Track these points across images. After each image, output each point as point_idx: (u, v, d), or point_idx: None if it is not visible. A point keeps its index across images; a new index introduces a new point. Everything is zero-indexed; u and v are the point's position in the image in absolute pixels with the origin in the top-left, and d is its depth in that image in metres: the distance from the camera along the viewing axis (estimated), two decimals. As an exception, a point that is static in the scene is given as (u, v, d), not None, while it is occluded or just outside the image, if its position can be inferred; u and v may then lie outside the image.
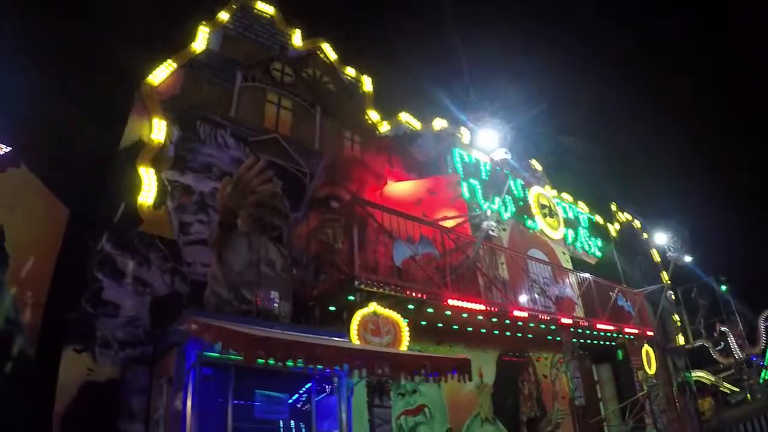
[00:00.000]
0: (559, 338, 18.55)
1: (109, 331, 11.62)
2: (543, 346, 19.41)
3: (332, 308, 14.02)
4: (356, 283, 13.33)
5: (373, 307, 13.31)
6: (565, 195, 25.42)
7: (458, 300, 15.00)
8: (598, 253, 24.46)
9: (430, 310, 14.99)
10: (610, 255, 24.29)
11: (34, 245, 11.85)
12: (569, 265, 22.23)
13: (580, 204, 26.01)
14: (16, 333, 11.01)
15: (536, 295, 18.65)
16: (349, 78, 19.76)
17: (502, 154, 15.06)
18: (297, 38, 18.55)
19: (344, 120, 18.54)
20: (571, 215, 24.39)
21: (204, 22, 16.58)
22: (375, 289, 13.58)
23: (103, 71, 14.89)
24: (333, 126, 18.05)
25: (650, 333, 21.89)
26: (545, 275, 19.25)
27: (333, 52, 19.48)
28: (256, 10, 18.13)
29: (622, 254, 25.64)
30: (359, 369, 10.33)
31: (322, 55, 19.25)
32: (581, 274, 20.55)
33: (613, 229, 28.42)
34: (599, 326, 19.21)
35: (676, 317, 30.78)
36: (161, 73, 14.92)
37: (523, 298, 18.33)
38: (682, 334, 30.03)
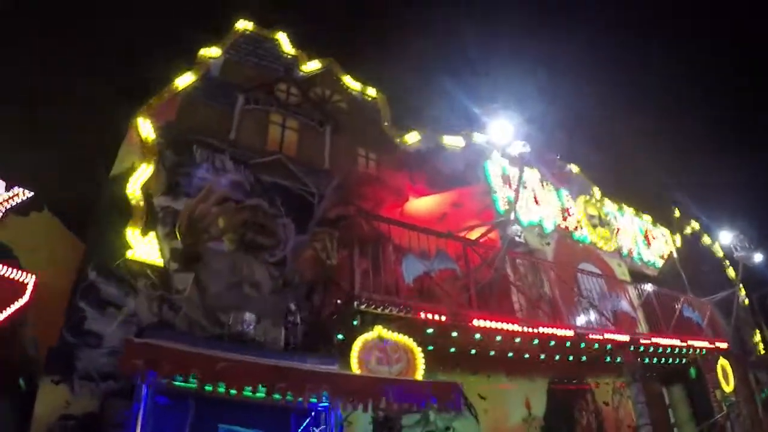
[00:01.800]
0: (619, 359, 15.83)
1: (89, 362, 10.37)
2: (602, 369, 16.24)
3: (340, 336, 11.88)
4: (356, 304, 11.34)
5: (378, 331, 11.29)
6: (615, 202, 21.96)
7: (486, 320, 12.67)
8: (659, 264, 21.44)
9: (454, 334, 12.62)
10: (673, 264, 21.28)
11: (54, 283, 11.12)
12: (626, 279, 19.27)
13: (632, 210, 22.60)
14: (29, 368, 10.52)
15: (590, 314, 16.10)
16: (362, 95, 18.01)
17: (519, 147, 12.80)
18: (303, 59, 17.27)
19: (358, 137, 16.78)
20: (625, 224, 21.35)
21: (203, 51, 15.68)
22: (379, 311, 11.40)
23: (101, 104, 14.47)
24: (345, 144, 16.31)
25: (724, 345, 18.22)
26: (598, 290, 16.63)
27: (342, 70, 17.93)
28: (259, 35, 17.04)
29: (687, 263, 22.47)
30: (282, 392, 8.16)
31: (331, 74, 17.75)
32: (641, 286, 17.77)
33: (675, 236, 24.65)
34: (663, 342, 16.23)
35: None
36: (156, 102, 14.07)
37: (576, 318, 15.86)
38: (763, 345, 25.87)
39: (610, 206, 21.14)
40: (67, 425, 9.75)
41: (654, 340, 16.01)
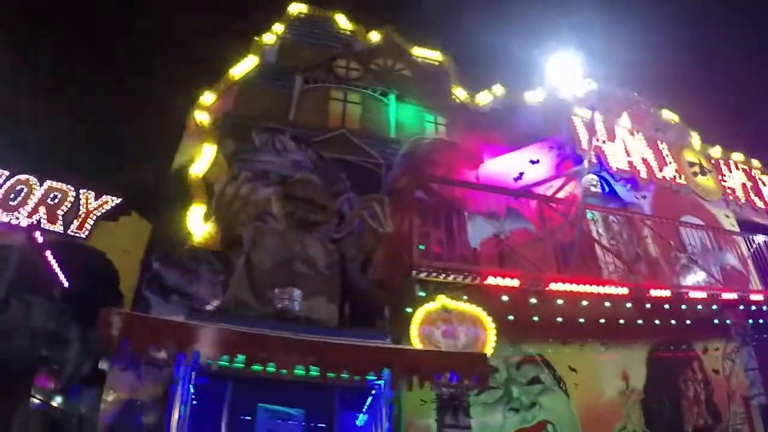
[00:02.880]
0: (728, 321, 14.07)
1: (154, 349, 10.03)
2: (710, 333, 14.10)
3: (409, 309, 10.83)
4: (414, 272, 10.34)
5: (441, 301, 10.24)
6: (718, 148, 19.76)
7: (566, 283, 11.25)
8: None
9: (533, 300, 11.34)
10: None
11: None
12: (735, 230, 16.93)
13: (740, 155, 20.00)
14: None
15: (696, 271, 14.38)
16: (427, 60, 17.05)
17: (585, 85, 11.28)
18: (362, 33, 16.89)
19: (425, 103, 15.82)
20: (730, 170, 18.99)
21: (257, 38, 15.71)
22: (441, 279, 10.36)
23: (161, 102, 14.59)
24: (411, 111, 15.44)
25: None
26: (703, 244, 14.81)
27: (404, 38, 17.14)
28: (313, 16, 16.93)
29: None
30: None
31: (392, 44, 17.01)
32: (751, 237, 15.71)
33: None
34: (777, 298, 14.26)
35: None
36: (211, 96, 14.33)
37: (680, 277, 14.19)
38: None
39: (712, 152, 18.94)
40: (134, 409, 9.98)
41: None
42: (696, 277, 14.28)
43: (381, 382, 8.54)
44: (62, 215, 14.32)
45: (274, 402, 8.90)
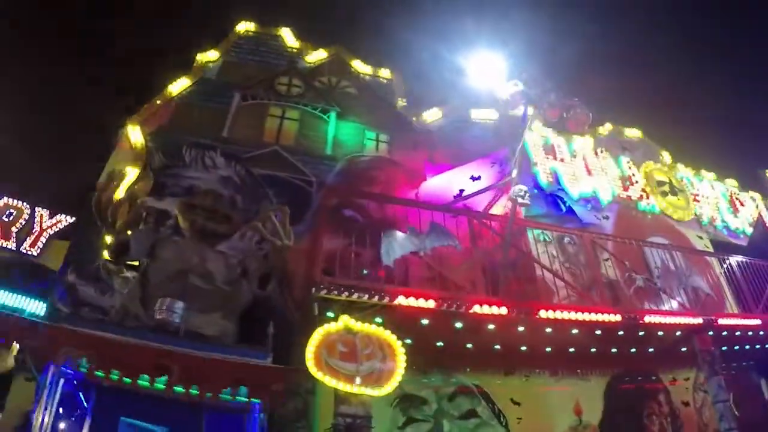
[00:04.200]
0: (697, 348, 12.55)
1: (60, 360, 9.50)
2: (680, 362, 12.62)
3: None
4: (314, 291, 9.01)
5: (344, 322, 8.86)
6: (690, 167, 18.06)
7: (493, 306, 9.81)
8: (748, 230, 17.34)
9: (458, 325, 10.08)
10: (763, 230, 17.07)
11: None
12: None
13: (712, 175, 18.37)
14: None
15: (670, 296, 12.94)
16: (374, 77, 16.20)
17: (511, 87, 10.04)
18: (308, 50, 16.22)
19: (368, 120, 14.89)
20: (704, 190, 17.44)
21: (200, 55, 15.26)
22: (343, 297, 8.96)
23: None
24: (352, 129, 14.51)
25: None
26: (671, 266, 13.34)
27: (351, 56, 16.34)
28: (261, 33, 16.31)
29: None
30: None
31: (339, 61, 16.24)
32: (725, 258, 14.14)
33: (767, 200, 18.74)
34: (749, 323, 12.69)
35: None
36: (145, 112, 13.92)
37: (648, 302, 12.76)
38: None
39: (683, 171, 17.45)
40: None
41: (737, 321, 12.52)
42: (672, 302, 12.88)
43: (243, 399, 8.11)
44: (16, 232, 14.03)
45: (140, 417, 8.16)
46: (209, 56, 14.97)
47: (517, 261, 11.12)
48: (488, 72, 10.14)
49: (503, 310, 9.69)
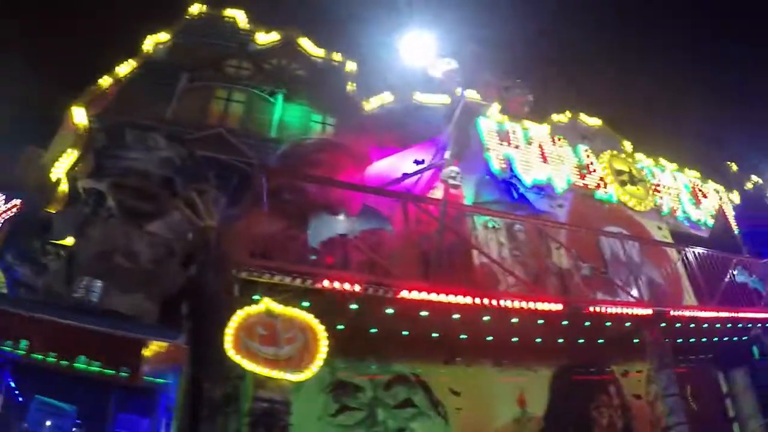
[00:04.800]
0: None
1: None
2: (631, 353, 12.18)
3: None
4: (235, 271, 8.59)
5: (266, 304, 8.48)
6: (651, 157, 17.89)
7: (422, 292, 9.49)
8: (710, 222, 16.93)
9: (389, 310, 9.63)
10: (724, 222, 16.67)
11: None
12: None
13: (674, 166, 18.07)
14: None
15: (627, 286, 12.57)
16: (326, 61, 15.89)
17: (444, 65, 9.61)
18: (260, 33, 15.85)
19: (316, 104, 14.69)
20: (665, 180, 17.08)
21: (149, 37, 14.97)
22: (264, 279, 8.53)
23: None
24: (298, 112, 14.28)
25: None
26: (625, 256, 12.94)
27: (305, 38, 16.00)
28: (213, 15, 15.98)
29: (751, 223, 17.68)
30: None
31: (291, 44, 15.94)
32: (683, 249, 13.73)
33: (732, 193, 19.59)
34: (703, 315, 12.29)
35: None
36: (94, 89, 13.75)
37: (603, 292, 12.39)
38: None
39: (644, 161, 17.04)
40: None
41: (690, 313, 12.12)
42: (631, 293, 12.52)
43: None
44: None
45: (54, 395, 8.23)
46: (159, 38, 14.79)
47: (455, 247, 10.69)
48: (422, 50, 9.69)
49: (433, 296, 9.29)
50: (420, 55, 9.72)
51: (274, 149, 13.01)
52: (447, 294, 9.43)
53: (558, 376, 11.94)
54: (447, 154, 9.71)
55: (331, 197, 11.18)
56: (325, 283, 8.87)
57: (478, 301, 9.63)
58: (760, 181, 20.38)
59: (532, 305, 10.08)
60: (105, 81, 13.77)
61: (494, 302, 9.76)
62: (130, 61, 14.20)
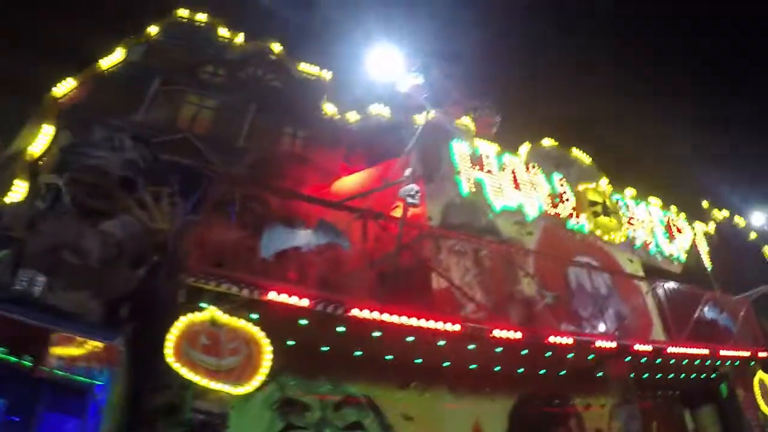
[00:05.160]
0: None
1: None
2: (595, 387, 12.12)
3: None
4: (181, 277, 8.46)
5: (211, 313, 8.25)
6: (626, 190, 17.66)
7: (374, 312, 9.10)
8: (684, 257, 16.72)
9: (340, 329, 9.41)
10: (697, 258, 16.53)
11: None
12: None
13: (656, 200, 18.07)
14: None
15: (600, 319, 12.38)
16: (303, 74, 15.67)
17: (411, 80, 9.42)
18: (238, 42, 15.60)
19: (288, 115, 14.39)
20: (640, 214, 16.94)
21: (128, 38, 14.60)
22: (211, 287, 8.36)
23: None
24: (270, 123, 13.98)
25: (763, 354, 13.61)
26: (593, 288, 12.74)
27: (284, 50, 15.84)
28: (192, 21, 15.60)
29: (725, 260, 17.51)
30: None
31: (268, 55, 15.72)
32: (654, 283, 13.53)
33: (707, 228, 19.41)
34: (671, 350, 12.09)
35: None
36: (67, 84, 13.21)
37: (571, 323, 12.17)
38: None
39: (620, 194, 16.91)
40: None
41: (655, 348, 11.91)
42: (601, 326, 12.32)
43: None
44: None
45: None
46: (137, 38, 14.53)
47: (414, 269, 10.48)
48: (390, 66, 9.54)
49: (385, 317, 9.05)
50: (387, 71, 9.55)
51: (240, 158, 12.76)
52: (399, 315, 9.19)
53: (517, 407, 11.72)
54: (407, 172, 9.48)
55: (290, 209, 11.00)
56: (272, 295, 8.64)
57: (432, 324, 9.42)
58: (739, 221, 20.24)
59: (488, 332, 9.84)
60: (77, 78, 13.42)
61: (450, 328, 9.53)
62: (104, 60, 13.88)
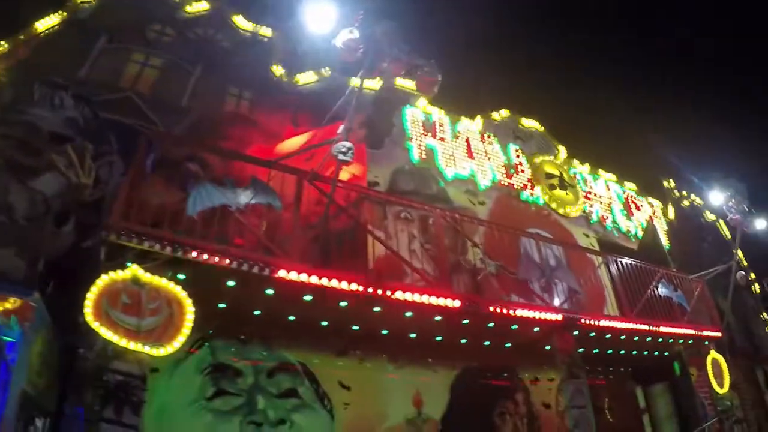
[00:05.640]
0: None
1: None
2: (544, 361, 12.09)
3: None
4: (104, 234, 8.27)
5: (133, 271, 8.06)
6: (586, 164, 17.67)
7: (302, 273, 8.80)
8: (641, 234, 16.76)
9: (269, 291, 9.20)
10: (654, 235, 16.53)
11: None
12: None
13: (613, 176, 18.10)
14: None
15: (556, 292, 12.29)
16: (255, 35, 15.26)
17: (345, 34, 9.17)
18: (191, 2, 15.03)
19: (235, 77, 14.09)
20: (598, 189, 16.99)
21: None
22: (133, 244, 8.17)
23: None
24: (215, 83, 13.64)
25: (716, 334, 13.71)
26: (530, 256, 12.60)
27: (235, 11, 15.42)
28: None
29: (686, 239, 17.54)
30: None
31: (220, 15, 15.26)
32: (608, 258, 13.50)
33: (668, 207, 19.48)
34: (619, 326, 11.98)
35: (766, 316, 19.42)
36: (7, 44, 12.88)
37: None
38: None
39: (578, 168, 16.83)
40: None
41: (605, 323, 11.83)
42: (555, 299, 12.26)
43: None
44: None
45: None
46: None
47: (350, 233, 10.34)
48: (327, 21, 9.32)
49: (314, 279, 8.89)
50: (325, 26, 9.32)
51: (182, 118, 12.53)
52: (329, 279, 9.03)
53: (460, 378, 11.66)
54: (340, 129, 9.29)
55: (231, 171, 10.81)
56: (196, 254, 8.48)
57: (363, 289, 9.25)
58: (698, 200, 20.20)
59: (425, 299, 9.71)
60: (22, 35, 13.13)
61: (380, 292, 9.38)
62: (51, 16, 13.49)
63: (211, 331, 9.84)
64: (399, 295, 9.47)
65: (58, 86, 11.67)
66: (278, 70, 14.32)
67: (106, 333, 7.81)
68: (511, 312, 10.51)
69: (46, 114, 11.25)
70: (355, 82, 13.96)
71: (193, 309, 8.24)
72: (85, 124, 11.50)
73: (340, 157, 8.86)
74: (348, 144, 8.91)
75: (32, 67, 12.47)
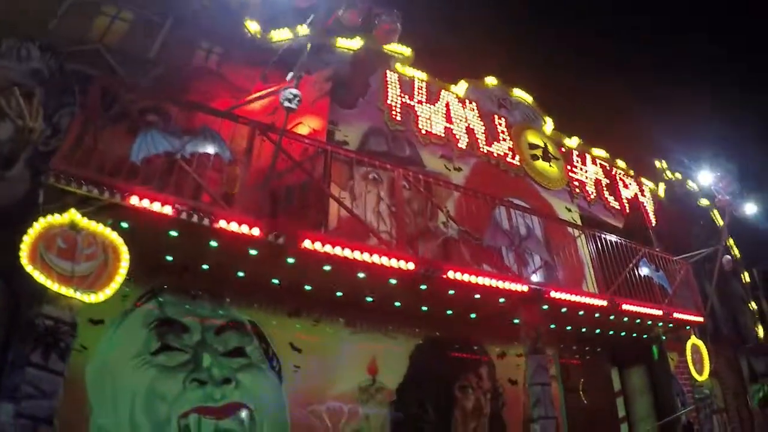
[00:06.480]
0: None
1: None
2: (510, 335, 11.69)
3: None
4: (43, 177, 8.34)
5: (72, 216, 8.11)
6: (572, 137, 17.54)
7: (240, 224, 8.71)
8: (625, 212, 16.51)
9: (213, 244, 9.22)
10: (638, 214, 16.25)
11: None
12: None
13: (602, 151, 17.97)
14: None
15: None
16: None
17: None
18: None
19: (206, 32, 14.11)
20: (586, 164, 16.90)
21: None
22: (71, 188, 8.17)
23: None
24: (185, 37, 13.72)
25: (697, 319, 13.46)
26: (515, 228, 12.43)
27: None
28: None
29: (672, 221, 17.29)
30: None
31: None
32: (588, 233, 13.34)
33: (658, 187, 19.37)
34: (589, 302, 11.81)
35: (754, 305, 19.08)
36: None
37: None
38: (762, 328, 18.70)
39: (568, 142, 16.62)
40: None
41: (576, 298, 11.69)
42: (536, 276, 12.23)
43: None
44: None
45: None
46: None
47: (308, 190, 10.34)
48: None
49: (255, 231, 8.89)
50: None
51: (148, 70, 12.63)
52: (276, 235, 9.02)
53: (421, 348, 11.65)
54: (289, 76, 9.24)
55: (198, 125, 10.84)
56: (134, 200, 8.53)
57: (309, 245, 9.23)
58: (689, 182, 19.83)
59: (376, 259, 9.66)
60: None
61: (330, 250, 9.33)
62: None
63: (165, 287, 9.88)
64: (348, 253, 9.43)
65: (26, 38, 11.98)
66: (253, 25, 14.28)
67: (39, 277, 7.93)
68: (472, 279, 10.40)
69: (11, 65, 11.55)
70: (328, 37, 14.06)
71: (128, 256, 8.29)
72: (50, 74, 11.79)
73: (286, 104, 8.84)
74: (294, 91, 8.89)
75: (1, 23, 12.59)
